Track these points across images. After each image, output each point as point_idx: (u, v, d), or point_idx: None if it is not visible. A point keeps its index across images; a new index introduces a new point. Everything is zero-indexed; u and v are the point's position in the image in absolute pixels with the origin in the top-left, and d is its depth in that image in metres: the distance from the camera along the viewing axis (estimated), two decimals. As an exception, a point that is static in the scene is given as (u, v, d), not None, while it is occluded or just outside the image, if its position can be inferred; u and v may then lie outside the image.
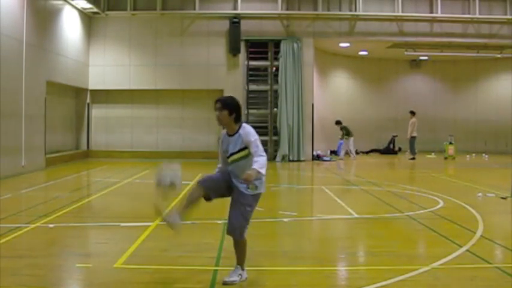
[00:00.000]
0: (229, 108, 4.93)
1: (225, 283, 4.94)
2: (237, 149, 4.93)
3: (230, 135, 5.00)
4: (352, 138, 21.69)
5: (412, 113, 22.02)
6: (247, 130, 4.93)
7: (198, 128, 20.79)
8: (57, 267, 5.64)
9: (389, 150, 24.67)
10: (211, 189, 4.93)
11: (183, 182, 5.01)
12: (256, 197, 5.00)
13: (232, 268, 5.10)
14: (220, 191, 5.00)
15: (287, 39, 20.36)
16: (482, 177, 15.28)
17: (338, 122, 21.87)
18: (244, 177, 4.69)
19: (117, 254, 5.95)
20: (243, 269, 5.08)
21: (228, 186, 4.99)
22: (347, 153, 21.84)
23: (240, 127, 4.97)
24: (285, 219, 8.39)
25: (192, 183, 5.38)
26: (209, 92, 20.71)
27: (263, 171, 4.78)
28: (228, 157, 5.01)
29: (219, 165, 5.19)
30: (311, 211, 10.28)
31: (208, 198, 4.97)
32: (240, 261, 5.06)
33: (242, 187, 4.90)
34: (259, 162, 4.76)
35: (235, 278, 4.99)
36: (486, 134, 25.73)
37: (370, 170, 17.44)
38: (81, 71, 19.84)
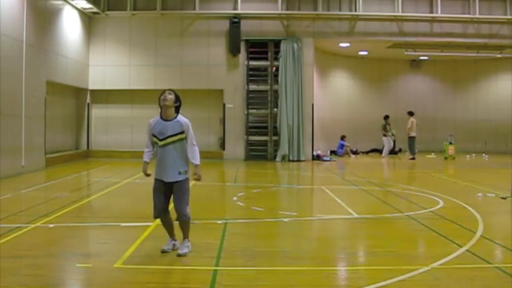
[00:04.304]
0: (176, 96, 6.06)
1: (179, 255, 5.89)
2: (175, 132, 5.92)
3: (166, 120, 5.96)
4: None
5: (410, 113, 22.04)
6: (186, 120, 6.03)
7: (198, 128, 20.45)
8: (57, 267, 5.63)
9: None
10: (164, 211, 6.06)
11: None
12: (187, 181, 6.06)
13: (182, 250, 5.93)
14: (167, 202, 6.07)
15: (287, 39, 20.37)
16: (482, 177, 15.28)
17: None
18: (196, 178, 6.05)
19: (117, 254, 5.95)
20: (189, 240, 6.08)
21: (168, 190, 6.01)
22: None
23: (177, 115, 6.04)
24: (285, 219, 8.38)
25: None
26: (209, 92, 20.72)
27: (199, 161, 6.03)
28: (162, 139, 5.92)
29: (146, 149, 6.18)
30: (311, 211, 10.28)
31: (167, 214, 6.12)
32: (186, 235, 6.07)
33: (176, 173, 5.94)
34: (196, 154, 5.99)
35: (187, 250, 5.97)
36: (486, 134, 25.72)
37: (370, 170, 17.45)
38: (81, 71, 19.84)
